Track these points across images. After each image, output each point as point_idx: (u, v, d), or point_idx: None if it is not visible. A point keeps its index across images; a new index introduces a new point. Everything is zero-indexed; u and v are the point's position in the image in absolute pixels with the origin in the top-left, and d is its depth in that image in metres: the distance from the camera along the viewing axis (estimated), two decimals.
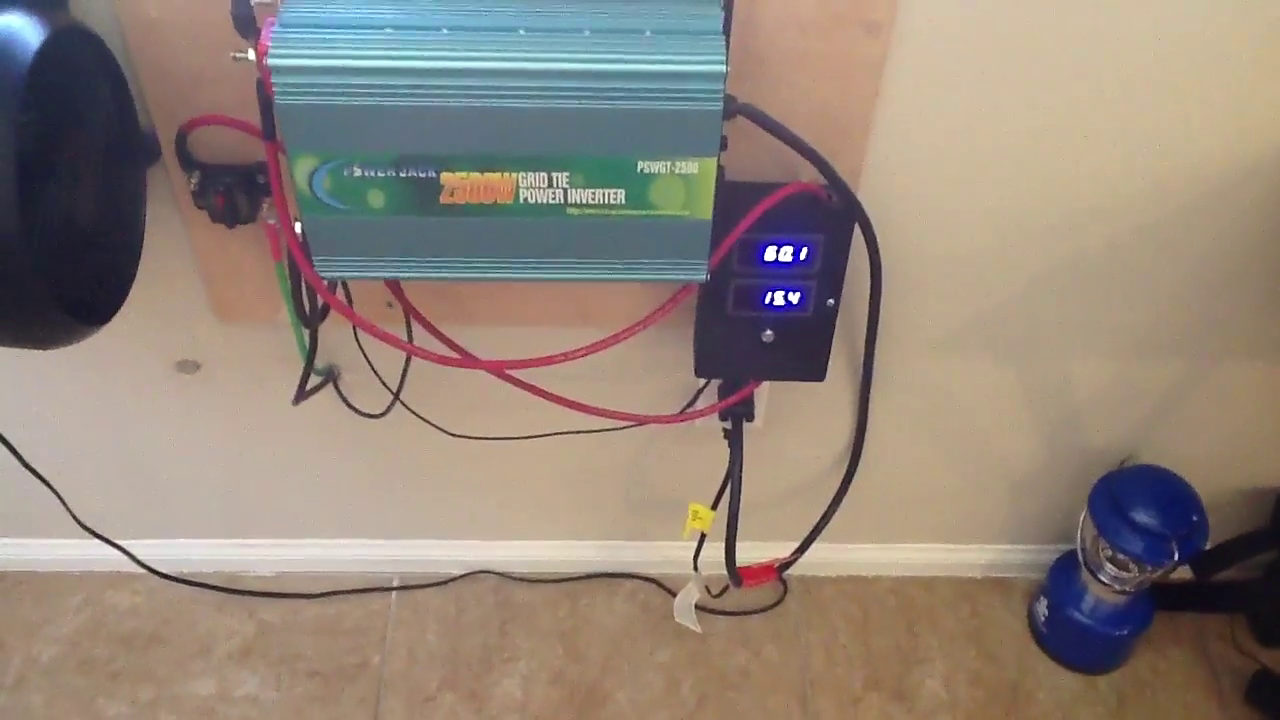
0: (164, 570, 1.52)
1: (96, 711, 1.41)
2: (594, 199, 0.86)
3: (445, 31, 0.80)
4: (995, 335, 1.25)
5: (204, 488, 1.45)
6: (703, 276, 0.93)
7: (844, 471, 1.36)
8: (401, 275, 0.92)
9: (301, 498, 1.47)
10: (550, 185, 0.85)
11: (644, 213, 0.87)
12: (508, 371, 1.05)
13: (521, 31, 0.80)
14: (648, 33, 0.81)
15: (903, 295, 1.18)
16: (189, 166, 1.03)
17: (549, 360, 1.01)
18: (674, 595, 1.54)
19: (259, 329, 1.22)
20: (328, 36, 0.79)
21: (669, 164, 0.84)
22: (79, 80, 0.88)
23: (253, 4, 0.81)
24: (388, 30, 0.80)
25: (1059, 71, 1.00)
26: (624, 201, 0.86)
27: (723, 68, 0.79)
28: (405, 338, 1.14)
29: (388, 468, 1.43)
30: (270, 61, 0.78)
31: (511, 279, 0.92)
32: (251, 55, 0.82)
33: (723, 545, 1.27)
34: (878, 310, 1.15)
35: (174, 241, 1.12)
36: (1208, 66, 1.00)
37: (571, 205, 0.87)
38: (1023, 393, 1.33)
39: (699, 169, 0.84)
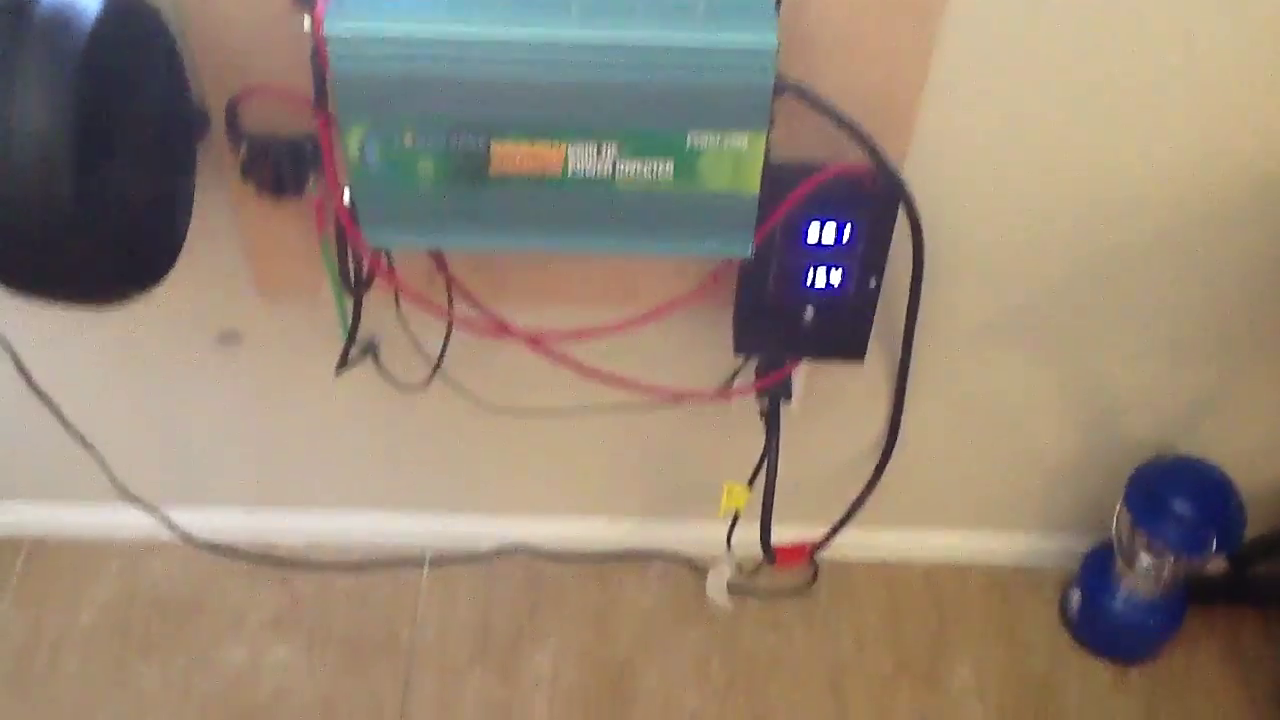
0: (199, 537, 1.54)
1: (130, 679, 1.43)
2: (642, 172, 0.87)
3: (502, 4, 0.81)
4: (1036, 324, 1.25)
5: (240, 457, 1.47)
6: (748, 252, 0.93)
7: (879, 456, 1.36)
8: (449, 245, 0.93)
9: (337, 469, 1.49)
10: (599, 157, 0.86)
11: (692, 187, 0.88)
12: (546, 344, 1.06)
13: (574, 6, 0.81)
14: (700, 7, 0.81)
15: (943, 281, 1.18)
16: (238, 138, 1.04)
17: (587, 333, 1.01)
18: (705, 575, 1.54)
19: (300, 303, 1.23)
20: (383, 6, 0.80)
21: (719, 138, 0.84)
22: (134, 51, 0.89)
23: None
24: (443, 1, 0.81)
25: (1113, 62, 0.99)
26: (672, 175, 0.87)
27: (775, 42, 0.79)
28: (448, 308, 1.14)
29: (423, 441, 1.44)
30: (326, 30, 0.79)
31: (558, 250, 0.93)
32: (307, 25, 0.82)
33: (756, 525, 1.27)
34: (919, 294, 1.14)
35: (219, 214, 1.13)
36: (1263, 57, 0.99)
37: (620, 178, 0.87)
38: (1061, 382, 1.33)
39: (748, 143, 0.85)
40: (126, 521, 1.52)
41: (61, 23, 0.79)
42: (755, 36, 0.79)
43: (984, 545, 1.57)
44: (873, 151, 0.98)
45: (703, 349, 1.27)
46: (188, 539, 1.52)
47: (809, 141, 1.02)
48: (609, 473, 1.48)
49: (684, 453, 1.45)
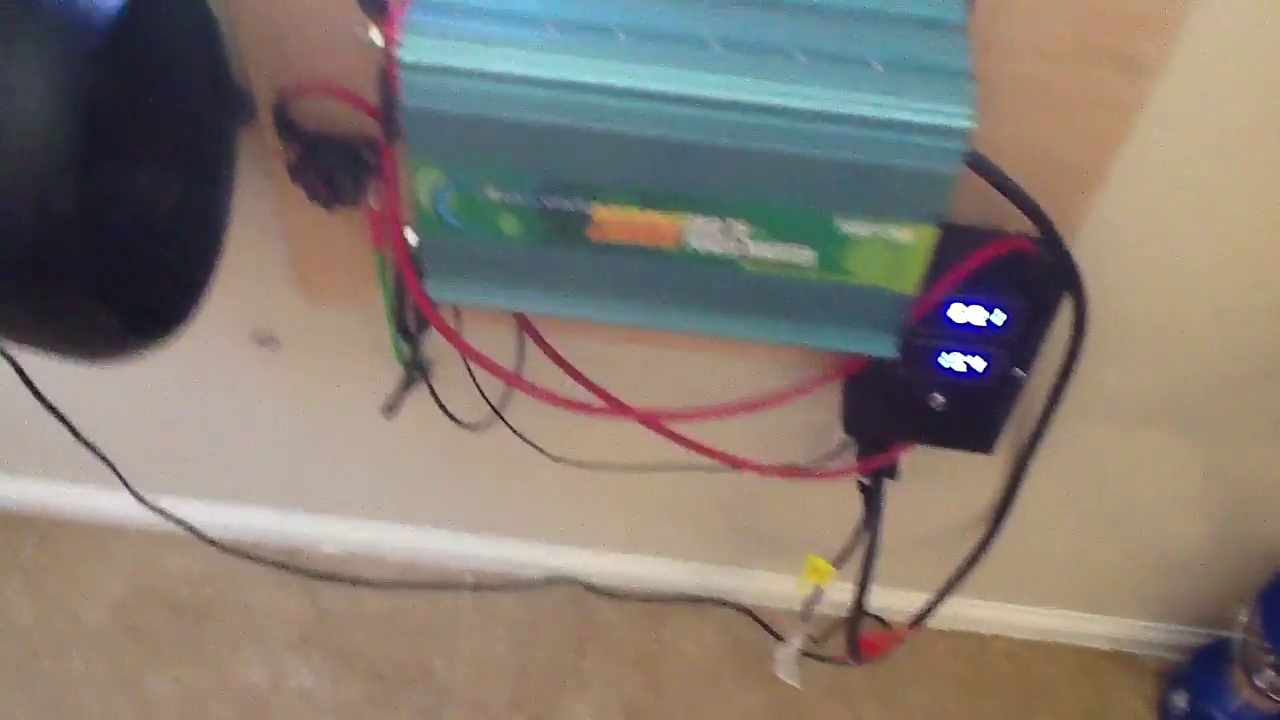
0: (224, 536, 1.41)
1: (140, 688, 1.31)
2: (776, 256, 0.70)
3: (622, 37, 0.64)
4: (1188, 413, 1.08)
5: (273, 458, 1.33)
6: (890, 353, 0.77)
7: (982, 532, 1.20)
8: (531, 309, 0.77)
9: (378, 478, 1.35)
10: (725, 235, 0.69)
11: (834, 278, 0.71)
12: (660, 422, 0.90)
13: (717, 47, 0.64)
14: (877, 65, 0.63)
15: (1094, 360, 1.01)
16: (289, 136, 0.88)
17: (708, 413, 0.86)
18: (768, 629, 1.40)
19: (348, 311, 1.09)
20: (475, 30, 0.63)
21: (877, 227, 0.67)
22: (168, 33, 0.73)
23: None
24: (549, 28, 0.64)
25: None
26: (813, 263, 0.70)
27: (969, 123, 0.62)
28: (518, 350, 0.99)
29: (474, 462, 1.29)
30: (402, 55, 0.63)
31: (662, 329, 0.76)
32: (377, 39, 0.66)
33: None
34: (1066, 381, 0.97)
35: (262, 213, 0.98)
36: None
37: (747, 259, 0.70)
38: (1203, 474, 1.16)
39: (914, 238, 0.68)
40: (145, 511, 1.40)
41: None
42: (946, 112, 0.62)
43: (1079, 626, 1.42)
44: (1049, 231, 0.80)
45: (800, 409, 1.11)
46: (211, 541, 1.40)
47: (960, 200, 0.85)
48: (676, 515, 1.33)
49: (763, 505, 1.29)
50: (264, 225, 1.00)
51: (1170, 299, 0.95)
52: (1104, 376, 1.03)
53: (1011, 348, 0.91)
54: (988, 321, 0.89)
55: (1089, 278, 0.89)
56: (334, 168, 0.88)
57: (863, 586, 1.08)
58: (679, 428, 0.90)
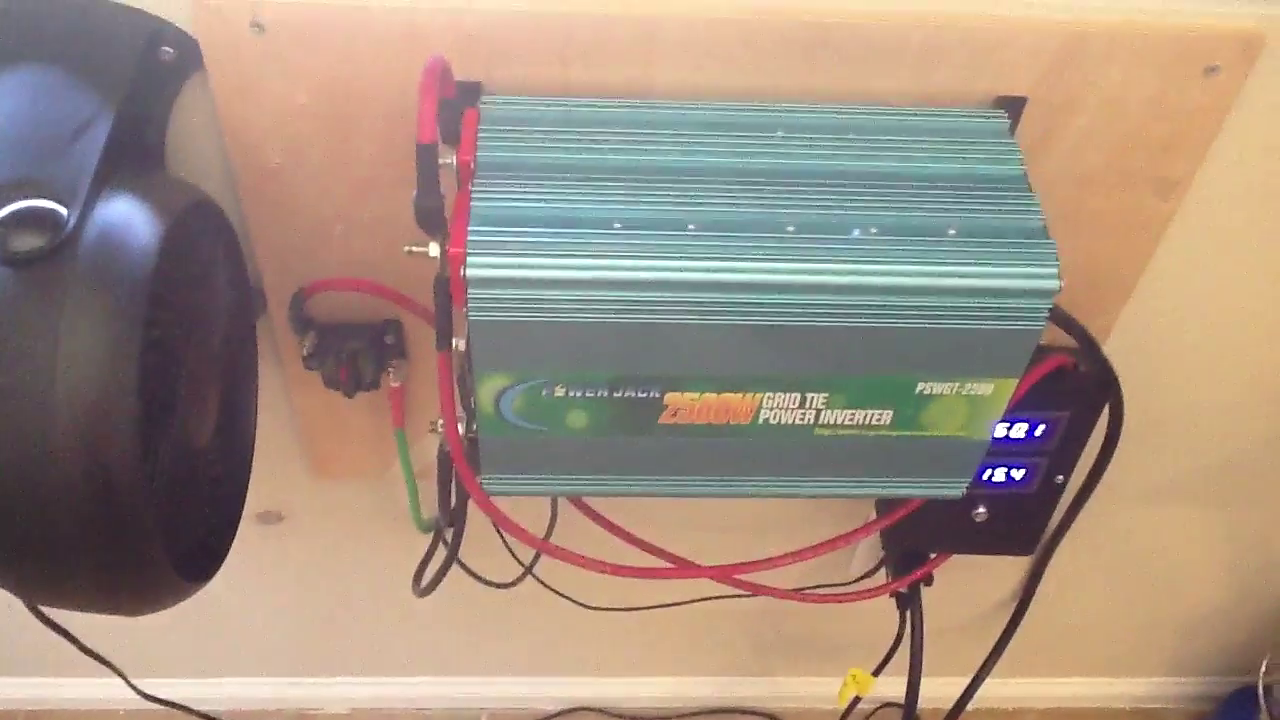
0: (224, 710, 1.34)
1: None
2: (851, 420, 0.69)
3: (692, 229, 0.62)
4: (1212, 488, 1.09)
5: (274, 629, 1.27)
6: (958, 494, 0.76)
7: (1006, 616, 1.20)
8: (593, 494, 0.74)
9: (380, 635, 1.30)
10: (802, 407, 0.68)
11: (909, 433, 0.70)
12: (732, 575, 0.88)
13: (790, 229, 0.62)
14: (951, 231, 0.63)
15: (1121, 454, 1.01)
16: (303, 328, 0.84)
17: (770, 563, 0.85)
18: None
19: (356, 484, 1.05)
20: (540, 239, 0.61)
21: (958, 385, 0.67)
22: (198, 258, 0.69)
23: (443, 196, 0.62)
24: (616, 227, 0.62)
25: None
26: (888, 423, 0.69)
27: (1057, 283, 0.62)
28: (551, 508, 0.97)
29: (481, 607, 1.24)
30: (470, 272, 0.60)
31: (729, 496, 0.74)
32: (434, 253, 0.64)
33: None
34: (1097, 480, 0.98)
35: (270, 398, 0.94)
36: None
37: (821, 426, 0.69)
38: (1224, 539, 1.17)
39: (993, 390, 0.67)
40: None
41: (116, 253, 0.59)
42: (1031, 274, 0.62)
43: (1101, 690, 1.42)
44: (1092, 348, 0.81)
45: (831, 518, 1.10)
46: (209, 715, 1.33)
47: None
48: (694, 635, 1.30)
49: (780, 614, 1.27)
50: (271, 413, 0.96)
51: (1189, 387, 0.97)
52: (1129, 465, 1.04)
53: (1052, 456, 0.91)
54: (1028, 434, 0.89)
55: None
56: (355, 353, 0.85)
57: (911, 698, 1.06)
58: (742, 577, 0.88)
